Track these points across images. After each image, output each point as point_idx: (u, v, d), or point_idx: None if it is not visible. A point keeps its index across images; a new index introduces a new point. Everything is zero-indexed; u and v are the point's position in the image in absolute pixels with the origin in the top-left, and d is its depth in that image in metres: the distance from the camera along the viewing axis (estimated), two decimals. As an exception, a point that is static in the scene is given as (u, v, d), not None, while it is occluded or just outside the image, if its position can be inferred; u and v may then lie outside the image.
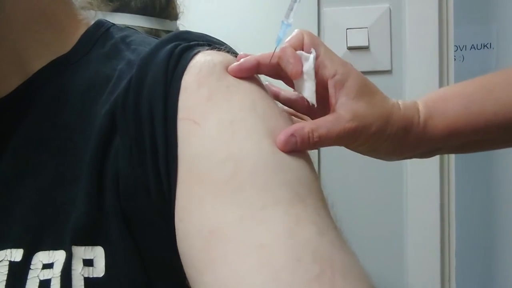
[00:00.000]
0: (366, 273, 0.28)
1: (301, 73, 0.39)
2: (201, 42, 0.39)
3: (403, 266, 1.14)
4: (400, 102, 0.44)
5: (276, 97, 0.45)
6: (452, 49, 1.15)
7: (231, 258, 0.27)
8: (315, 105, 0.39)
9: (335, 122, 0.38)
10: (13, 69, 0.41)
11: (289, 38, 0.40)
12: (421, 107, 0.44)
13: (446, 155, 1.14)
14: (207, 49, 0.38)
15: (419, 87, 1.12)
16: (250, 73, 0.37)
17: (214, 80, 0.35)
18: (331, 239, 0.27)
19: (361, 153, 0.45)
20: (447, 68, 1.15)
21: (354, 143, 0.41)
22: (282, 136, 0.33)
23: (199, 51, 0.37)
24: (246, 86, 0.36)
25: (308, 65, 0.39)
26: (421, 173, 1.13)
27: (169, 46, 0.37)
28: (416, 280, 1.12)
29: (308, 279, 0.24)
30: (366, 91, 0.40)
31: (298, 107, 0.45)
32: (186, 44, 0.38)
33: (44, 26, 0.42)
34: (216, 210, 0.29)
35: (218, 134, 0.32)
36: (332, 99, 0.39)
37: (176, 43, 0.38)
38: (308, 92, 0.39)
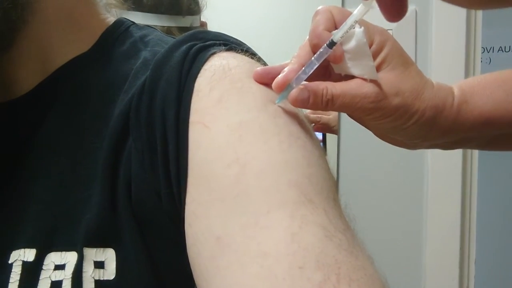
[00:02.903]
0: (380, 277, 0.26)
1: (343, 55, 0.36)
2: (218, 42, 0.38)
3: (420, 273, 1.12)
4: (434, 82, 0.41)
5: None
6: (479, 51, 1.12)
7: (235, 267, 0.26)
8: (377, 79, 0.36)
9: (354, 85, 0.36)
10: (37, 66, 0.42)
11: (316, 19, 0.37)
12: (456, 91, 0.41)
13: (469, 158, 1.11)
14: (224, 50, 0.37)
15: (444, 90, 1.09)
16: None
17: (227, 83, 0.34)
18: (340, 243, 0.26)
19: (383, 132, 0.42)
20: (473, 70, 1.12)
21: (374, 113, 0.38)
22: (294, 91, 0.32)
23: (214, 52, 0.36)
24: (260, 87, 0.35)
25: (356, 42, 0.36)
26: (442, 176, 1.11)
27: (184, 47, 0.37)
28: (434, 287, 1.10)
29: None
30: (400, 61, 0.38)
31: None
32: (202, 44, 0.37)
33: (70, 25, 0.42)
34: (222, 217, 0.29)
35: (226, 137, 0.31)
36: None
37: (192, 43, 0.37)
38: (363, 69, 0.36)
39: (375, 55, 0.37)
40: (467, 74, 1.10)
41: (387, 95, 0.37)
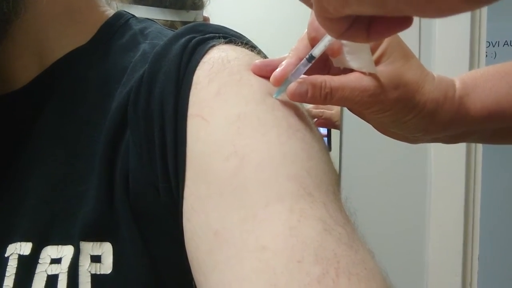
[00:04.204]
0: (381, 271, 0.26)
1: (341, 49, 0.36)
2: (217, 35, 0.37)
3: (423, 268, 1.11)
4: (435, 75, 0.40)
5: None
6: (484, 45, 1.11)
7: (233, 262, 0.26)
8: (376, 73, 0.36)
9: (353, 78, 0.35)
10: (34, 59, 0.42)
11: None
12: (457, 83, 0.40)
13: (473, 153, 1.10)
14: (223, 43, 0.37)
15: (447, 85, 1.08)
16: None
17: (225, 75, 0.34)
18: (339, 236, 0.26)
19: (384, 126, 0.41)
20: (478, 65, 1.11)
21: (373, 107, 0.37)
22: (292, 84, 0.32)
23: (214, 45, 0.36)
24: (260, 80, 0.34)
25: None
26: (446, 171, 1.10)
27: (183, 40, 0.36)
28: (436, 284, 1.10)
29: (308, 282, 0.23)
30: (400, 54, 0.37)
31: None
32: (201, 37, 0.37)
33: (68, 17, 0.42)
34: (220, 211, 0.28)
35: (224, 130, 0.31)
36: None
37: (191, 36, 0.37)
38: (361, 62, 0.36)
39: (374, 48, 0.36)
40: (471, 69, 1.09)
41: (387, 88, 0.36)
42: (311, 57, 0.35)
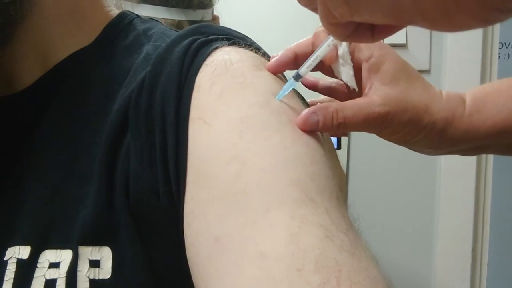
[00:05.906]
0: (384, 280, 0.25)
1: (336, 57, 0.37)
2: (221, 37, 0.37)
3: (430, 275, 1.10)
4: (444, 92, 0.40)
5: (314, 87, 0.44)
6: (496, 46, 1.10)
7: (233, 269, 0.25)
8: (356, 89, 0.37)
9: (364, 105, 0.36)
10: (38, 60, 0.42)
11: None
12: (468, 99, 0.40)
13: (484, 157, 1.08)
14: (227, 45, 0.36)
15: (459, 88, 1.06)
16: (289, 67, 0.36)
17: (228, 78, 0.33)
18: (341, 243, 0.25)
19: (395, 143, 0.42)
20: (490, 67, 1.09)
21: (385, 131, 0.38)
22: (303, 114, 0.32)
23: (217, 47, 0.35)
24: (262, 82, 0.34)
25: (343, 49, 0.37)
26: (455, 175, 1.09)
27: (186, 41, 0.36)
28: (444, 289, 1.08)
29: None
30: (404, 76, 0.37)
31: (339, 95, 0.43)
32: (204, 38, 0.36)
33: (72, 18, 0.42)
34: (221, 216, 0.28)
35: (226, 134, 0.30)
36: (366, 84, 0.37)
37: (194, 37, 0.36)
38: (346, 76, 0.37)
39: (374, 69, 0.37)
40: (483, 71, 1.08)
41: (397, 112, 0.37)
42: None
